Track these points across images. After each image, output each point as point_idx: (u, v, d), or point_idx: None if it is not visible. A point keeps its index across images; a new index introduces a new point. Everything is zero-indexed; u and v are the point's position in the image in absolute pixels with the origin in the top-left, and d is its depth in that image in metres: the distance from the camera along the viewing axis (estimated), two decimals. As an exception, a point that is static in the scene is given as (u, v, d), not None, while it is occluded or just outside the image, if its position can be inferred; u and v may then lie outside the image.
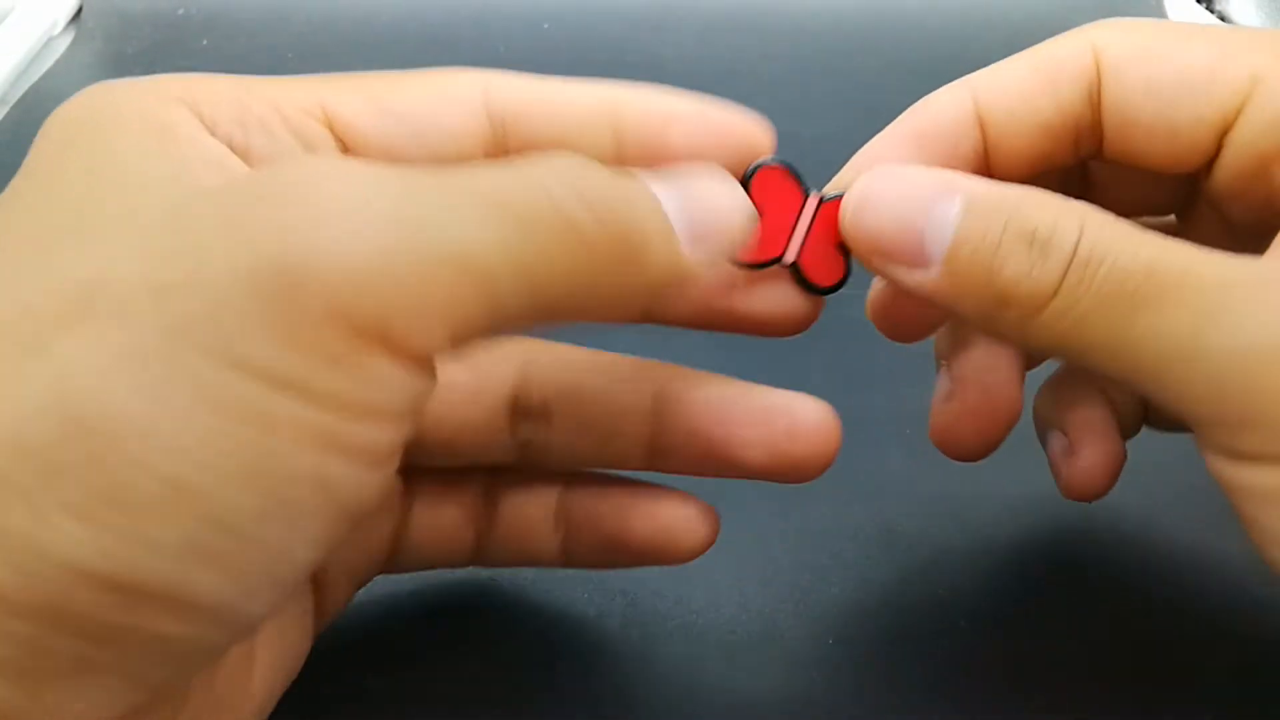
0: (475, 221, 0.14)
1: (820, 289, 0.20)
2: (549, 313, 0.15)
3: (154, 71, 0.17)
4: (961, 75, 0.20)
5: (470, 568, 0.23)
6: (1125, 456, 0.23)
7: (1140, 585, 0.25)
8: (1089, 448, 0.22)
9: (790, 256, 0.19)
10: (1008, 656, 0.23)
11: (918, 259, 0.18)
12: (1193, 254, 0.17)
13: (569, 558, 0.22)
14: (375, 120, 0.17)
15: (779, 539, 0.26)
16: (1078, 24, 0.20)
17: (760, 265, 0.19)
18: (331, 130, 0.17)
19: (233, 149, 0.16)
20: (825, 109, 0.44)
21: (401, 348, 0.13)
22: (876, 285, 0.23)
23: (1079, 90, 0.19)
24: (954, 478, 0.27)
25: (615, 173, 0.16)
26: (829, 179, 0.20)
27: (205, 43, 0.47)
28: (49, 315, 0.13)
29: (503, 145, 0.17)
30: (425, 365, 0.14)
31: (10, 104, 0.43)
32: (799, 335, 0.32)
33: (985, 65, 0.20)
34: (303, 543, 0.14)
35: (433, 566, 0.22)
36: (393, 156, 0.17)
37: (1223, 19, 0.49)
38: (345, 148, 0.17)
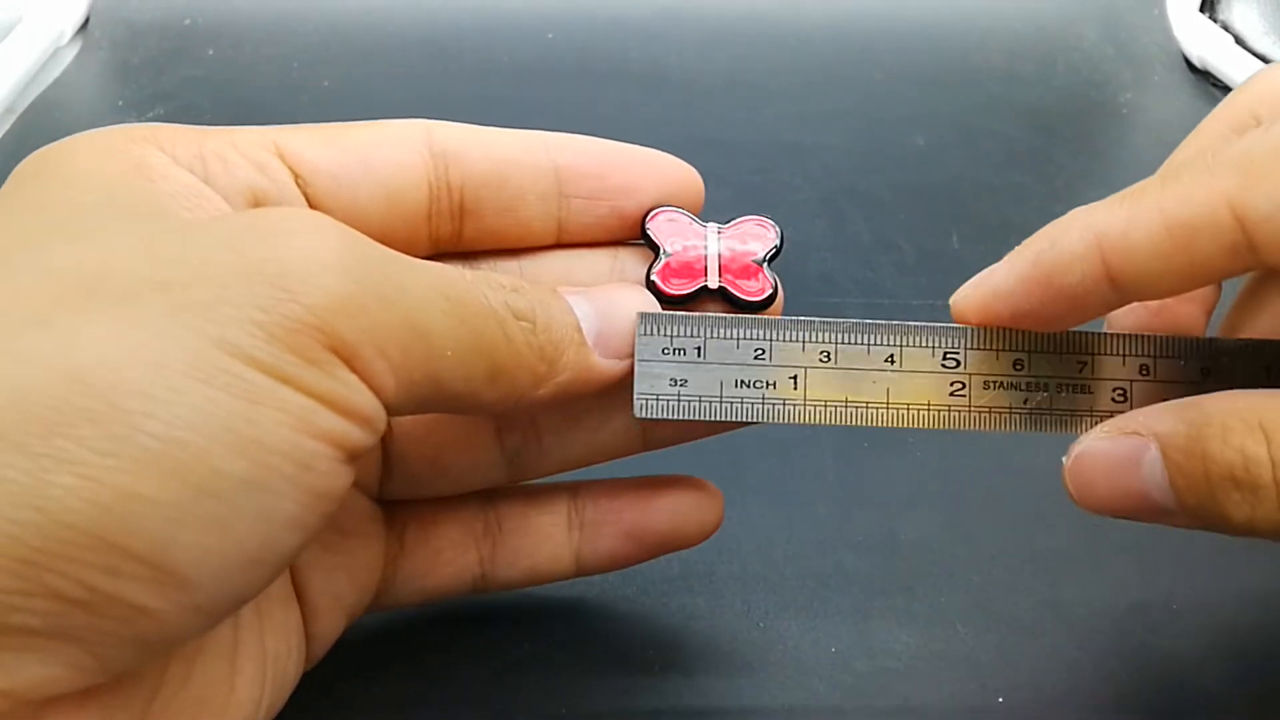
0: (431, 302, 0.16)
1: (757, 303, 0.21)
2: (478, 393, 0.17)
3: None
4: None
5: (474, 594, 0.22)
6: None
7: (1162, 585, 0.25)
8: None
9: (713, 282, 0.20)
10: (1012, 661, 0.23)
11: (1161, 511, 0.18)
12: None
13: (581, 564, 0.22)
14: (324, 151, 0.19)
15: (782, 547, 0.26)
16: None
17: (689, 297, 0.20)
18: (283, 160, 0.18)
19: None
20: (827, 118, 0.44)
21: (365, 373, 0.15)
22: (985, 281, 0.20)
23: (1221, 250, 0.18)
24: (957, 486, 0.27)
25: (540, 290, 0.19)
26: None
27: (211, 53, 0.47)
28: (48, 297, 0.14)
29: (444, 178, 0.19)
30: (383, 398, 0.15)
31: (18, 113, 0.43)
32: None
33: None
34: (281, 521, 0.14)
35: (434, 597, 0.22)
36: (342, 182, 0.19)
37: (1226, 29, 0.49)
38: (297, 177, 0.18)
